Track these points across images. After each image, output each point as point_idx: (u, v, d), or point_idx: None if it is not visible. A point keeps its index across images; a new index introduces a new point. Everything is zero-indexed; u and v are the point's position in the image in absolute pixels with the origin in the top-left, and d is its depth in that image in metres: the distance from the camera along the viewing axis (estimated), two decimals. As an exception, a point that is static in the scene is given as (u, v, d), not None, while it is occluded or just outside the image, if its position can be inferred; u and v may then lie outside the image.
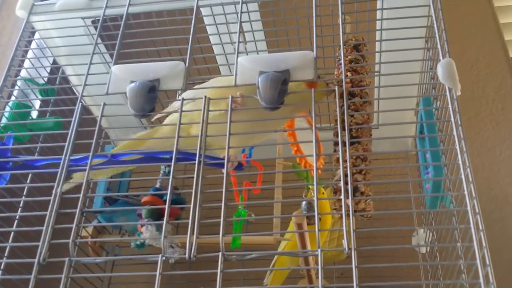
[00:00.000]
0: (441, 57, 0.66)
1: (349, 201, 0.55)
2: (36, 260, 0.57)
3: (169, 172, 0.59)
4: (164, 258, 0.56)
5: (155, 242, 0.80)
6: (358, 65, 0.74)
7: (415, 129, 0.90)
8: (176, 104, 0.73)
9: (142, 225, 0.80)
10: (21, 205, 0.74)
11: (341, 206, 0.56)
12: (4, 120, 0.78)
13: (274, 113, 0.64)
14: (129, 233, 0.95)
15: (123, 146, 0.74)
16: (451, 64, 0.63)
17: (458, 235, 0.69)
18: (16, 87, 0.82)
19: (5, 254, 0.71)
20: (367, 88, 0.75)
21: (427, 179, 0.74)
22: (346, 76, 0.71)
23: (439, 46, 0.67)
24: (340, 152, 0.60)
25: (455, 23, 1.39)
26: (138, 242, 0.81)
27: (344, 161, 0.59)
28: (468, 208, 0.55)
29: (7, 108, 0.79)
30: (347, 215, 0.55)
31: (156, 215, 0.81)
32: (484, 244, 0.52)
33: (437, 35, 0.68)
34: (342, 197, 0.56)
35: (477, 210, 0.54)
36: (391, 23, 0.76)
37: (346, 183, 0.57)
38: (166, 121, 0.75)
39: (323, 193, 0.87)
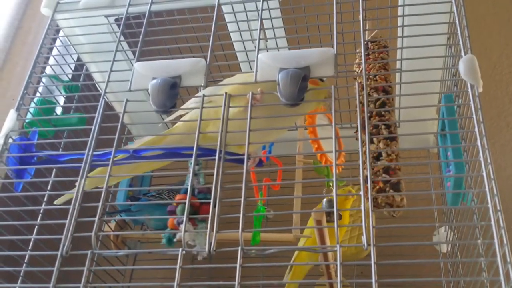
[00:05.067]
0: (463, 54, 0.65)
1: (369, 195, 0.55)
2: (59, 252, 0.58)
3: (198, 169, 0.60)
4: (184, 252, 0.57)
5: (192, 240, 0.80)
6: (383, 61, 0.74)
7: (436, 127, 0.89)
8: (192, 101, 0.74)
9: (178, 223, 0.79)
10: (45, 199, 0.76)
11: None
12: (29, 115, 0.79)
13: (289, 109, 0.64)
14: (152, 229, 0.96)
15: (144, 144, 0.74)
16: (473, 60, 0.63)
17: (479, 233, 0.69)
18: (41, 84, 0.83)
19: (29, 247, 0.72)
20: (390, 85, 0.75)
21: (448, 175, 0.73)
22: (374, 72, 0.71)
23: (461, 42, 0.66)
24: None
25: (477, 22, 1.37)
26: (168, 237, 0.81)
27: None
28: (489, 205, 0.54)
29: (32, 104, 0.81)
30: (366, 211, 0.55)
31: (191, 213, 0.81)
32: (505, 242, 0.51)
33: (459, 32, 0.67)
34: (369, 194, 0.56)
35: (498, 207, 0.53)
36: (413, 19, 0.75)
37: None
38: (186, 118, 0.76)
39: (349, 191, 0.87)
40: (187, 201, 0.59)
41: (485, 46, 1.35)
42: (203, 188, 0.84)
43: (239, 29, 0.85)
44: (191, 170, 0.93)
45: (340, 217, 0.84)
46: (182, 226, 0.79)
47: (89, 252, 0.58)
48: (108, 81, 0.71)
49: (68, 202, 0.62)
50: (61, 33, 0.87)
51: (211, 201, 0.58)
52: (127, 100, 0.67)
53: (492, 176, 0.55)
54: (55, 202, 0.68)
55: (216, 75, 0.80)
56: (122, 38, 0.77)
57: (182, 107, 0.74)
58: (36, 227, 0.73)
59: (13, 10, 1.03)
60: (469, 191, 0.67)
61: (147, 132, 1.01)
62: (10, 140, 0.72)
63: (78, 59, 0.90)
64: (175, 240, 0.81)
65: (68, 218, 0.60)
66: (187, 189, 0.85)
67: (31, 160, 0.72)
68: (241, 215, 0.56)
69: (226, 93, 0.65)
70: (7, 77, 0.96)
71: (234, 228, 0.56)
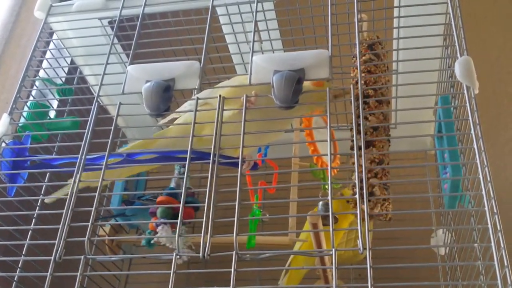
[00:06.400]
0: (459, 55, 0.64)
1: (365, 203, 0.55)
2: (52, 258, 0.58)
3: (183, 172, 0.59)
4: (178, 257, 0.56)
5: (169, 242, 0.80)
6: (371, 63, 0.73)
7: (433, 128, 0.89)
8: (187, 104, 0.73)
9: (157, 225, 0.80)
10: (38, 203, 0.75)
11: (356, 204, 0.55)
12: (22, 119, 0.78)
13: (284, 112, 0.64)
14: (146, 233, 0.96)
15: (135, 145, 0.74)
16: (469, 62, 0.62)
17: (477, 235, 0.68)
18: (34, 87, 0.83)
19: (23, 252, 0.72)
20: (383, 87, 0.74)
21: (445, 178, 0.73)
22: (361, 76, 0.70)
23: (456, 44, 0.66)
24: (355, 157, 0.58)
25: (476, 21, 1.37)
26: (146, 240, 0.82)
27: (359, 165, 0.58)
28: (486, 208, 0.53)
29: (26, 108, 0.80)
30: (362, 216, 0.54)
31: (171, 215, 0.81)
32: (502, 245, 0.51)
33: (454, 33, 0.67)
34: (357, 200, 0.55)
35: (495, 210, 0.53)
36: (409, 20, 0.75)
37: (361, 187, 0.56)
38: (179, 121, 0.75)
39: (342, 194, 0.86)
40: (181, 206, 0.59)
41: (483, 46, 1.34)
42: (188, 192, 0.84)
43: (233, 31, 0.84)
44: (176, 173, 0.93)
45: (336, 220, 0.83)
46: (160, 228, 0.80)
47: (82, 257, 0.57)
48: (102, 84, 0.71)
49: (62, 206, 0.62)
50: (54, 36, 0.86)
51: (205, 205, 0.57)
52: (120, 103, 0.67)
53: (488, 179, 0.55)
54: (45, 201, 0.67)
55: (210, 77, 0.79)
56: (115, 40, 0.76)
57: (176, 110, 0.73)
58: (30, 232, 0.73)
59: (6, 13, 1.03)
60: (466, 193, 0.67)
61: (141, 135, 1.00)
62: (3, 144, 0.71)
63: (72, 62, 0.90)
64: (152, 242, 0.81)
65: (61, 223, 0.59)
66: (168, 191, 0.86)
67: (24, 164, 0.71)
68: (235, 219, 0.56)
69: (220, 95, 0.65)
70: (1, 80, 0.96)
71: (228, 231, 0.56)
